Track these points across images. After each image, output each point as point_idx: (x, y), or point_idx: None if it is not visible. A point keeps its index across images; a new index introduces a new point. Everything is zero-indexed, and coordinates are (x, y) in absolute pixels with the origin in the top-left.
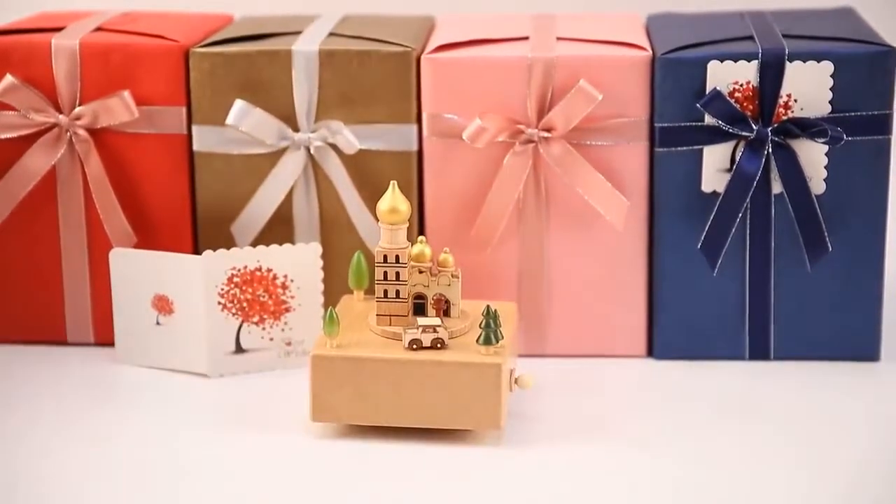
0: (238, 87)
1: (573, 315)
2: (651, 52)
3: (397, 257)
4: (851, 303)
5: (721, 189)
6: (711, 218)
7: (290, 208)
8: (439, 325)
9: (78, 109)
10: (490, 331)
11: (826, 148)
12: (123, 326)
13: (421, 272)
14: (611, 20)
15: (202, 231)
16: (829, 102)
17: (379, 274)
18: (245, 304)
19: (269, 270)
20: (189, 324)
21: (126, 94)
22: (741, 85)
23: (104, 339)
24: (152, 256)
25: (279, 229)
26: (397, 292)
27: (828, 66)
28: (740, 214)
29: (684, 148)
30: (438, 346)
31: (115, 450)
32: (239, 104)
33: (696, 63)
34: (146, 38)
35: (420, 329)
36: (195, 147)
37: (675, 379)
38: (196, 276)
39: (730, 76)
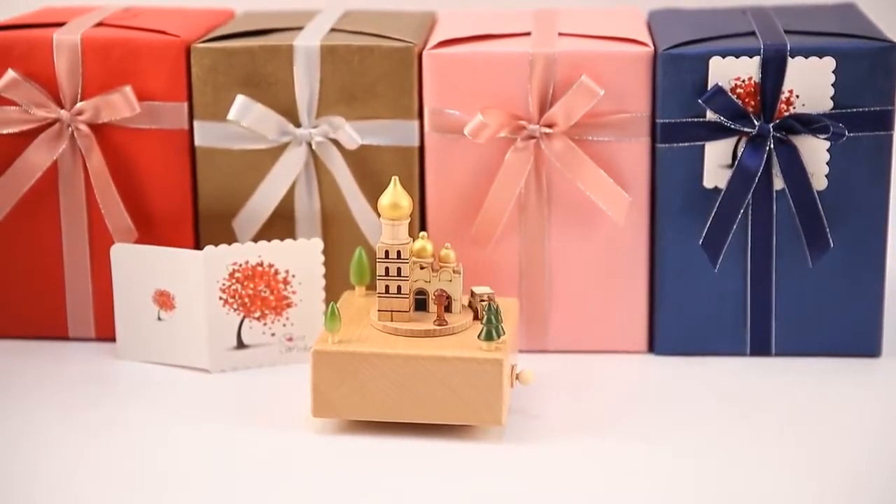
0: (239, 82)
1: (574, 311)
2: (653, 47)
3: (399, 253)
4: (852, 298)
5: (723, 185)
6: (713, 214)
7: (291, 204)
8: None
9: (79, 105)
10: (491, 326)
11: (828, 144)
12: (125, 322)
13: (422, 268)
14: (612, 16)
15: (203, 226)
16: (831, 98)
17: (380, 269)
18: (246, 300)
19: (270, 266)
20: (190, 319)
21: (128, 89)
22: (743, 81)
23: (105, 334)
24: (154, 252)
25: (280, 225)
26: (399, 288)
27: (830, 62)
28: (742, 210)
29: (686, 144)
30: None
31: (115, 445)
32: (240, 99)
33: (697, 59)
34: (148, 34)
35: None
36: (196, 142)
37: (676, 375)
38: (197, 272)
39: (731, 72)
